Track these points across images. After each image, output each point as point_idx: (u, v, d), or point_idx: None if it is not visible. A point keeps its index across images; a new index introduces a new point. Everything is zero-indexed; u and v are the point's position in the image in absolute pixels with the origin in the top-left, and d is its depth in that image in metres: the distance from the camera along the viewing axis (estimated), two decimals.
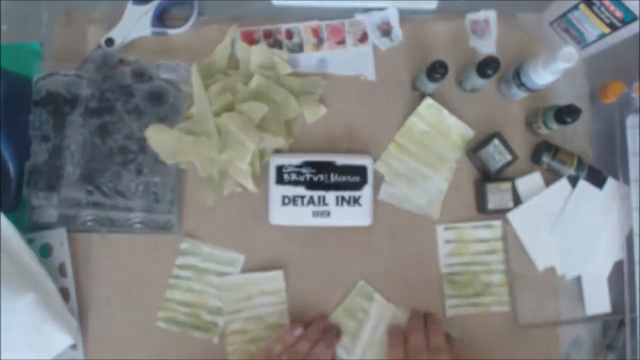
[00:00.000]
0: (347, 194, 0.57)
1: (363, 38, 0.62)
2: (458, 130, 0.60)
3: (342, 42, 0.62)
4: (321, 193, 0.57)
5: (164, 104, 0.58)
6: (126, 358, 0.57)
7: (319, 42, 0.62)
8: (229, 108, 0.58)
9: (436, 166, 0.60)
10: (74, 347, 0.55)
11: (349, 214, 0.57)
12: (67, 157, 0.56)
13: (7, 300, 0.48)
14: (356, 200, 0.57)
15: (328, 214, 0.57)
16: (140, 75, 0.58)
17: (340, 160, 0.58)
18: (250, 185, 0.57)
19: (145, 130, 0.56)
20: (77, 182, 0.56)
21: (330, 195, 0.57)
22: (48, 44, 0.60)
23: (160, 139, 0.56)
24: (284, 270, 0.58)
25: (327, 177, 0.57)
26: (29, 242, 0.55)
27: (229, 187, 0.58)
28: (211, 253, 0.58)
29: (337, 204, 0.57)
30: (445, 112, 0.59)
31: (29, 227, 0.57)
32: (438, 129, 0.60)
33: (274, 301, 0.58)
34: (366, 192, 0.57)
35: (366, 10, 0.63)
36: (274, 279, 0.58)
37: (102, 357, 0.57)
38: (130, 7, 0.59)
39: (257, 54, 0.59)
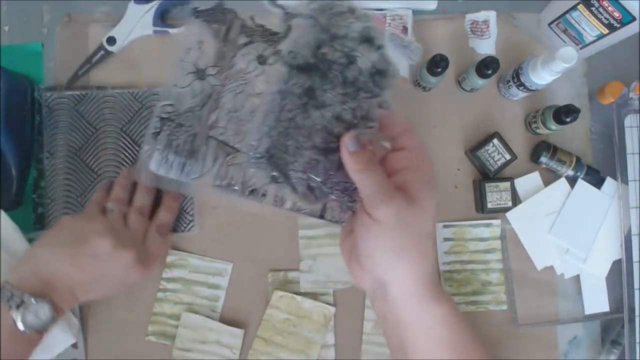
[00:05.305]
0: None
1: None
2: (318, 310, 0.57)
3: None
4: None
5: (384, 88, 0.40)
6: (127, 357, 0.57)
7: None
8: None
9: (305, 350, 0.56)
10: (75, 346, 0.56)
11: None
12: None
13: None
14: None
15: None
16: (369, 40, 0.39)
17: None
18: None
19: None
20: None
21: None
22: (49, 45, 0.60)
23: None
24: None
25: None
26: (31, 241, 0.55)
27: None
28: (198, 264, 0.58)
29: None
30: (298, 298, 0.57)
31: (31, 226, 0.57)
32: (297, 314, 0.57)
33: (226, 355, 0.56)
34: None
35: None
36: (234, 335, 0.56)
37: (103, 356, 0.57)
38: (132, 7, 0.60)
39: None
